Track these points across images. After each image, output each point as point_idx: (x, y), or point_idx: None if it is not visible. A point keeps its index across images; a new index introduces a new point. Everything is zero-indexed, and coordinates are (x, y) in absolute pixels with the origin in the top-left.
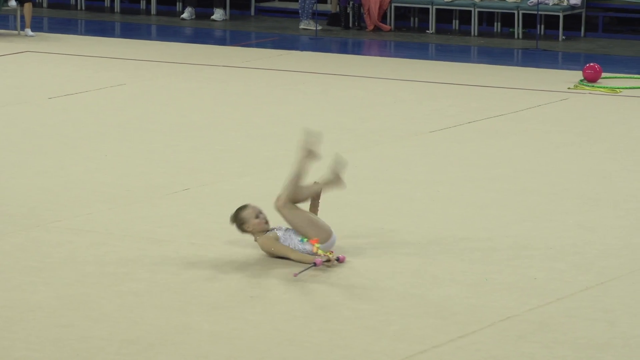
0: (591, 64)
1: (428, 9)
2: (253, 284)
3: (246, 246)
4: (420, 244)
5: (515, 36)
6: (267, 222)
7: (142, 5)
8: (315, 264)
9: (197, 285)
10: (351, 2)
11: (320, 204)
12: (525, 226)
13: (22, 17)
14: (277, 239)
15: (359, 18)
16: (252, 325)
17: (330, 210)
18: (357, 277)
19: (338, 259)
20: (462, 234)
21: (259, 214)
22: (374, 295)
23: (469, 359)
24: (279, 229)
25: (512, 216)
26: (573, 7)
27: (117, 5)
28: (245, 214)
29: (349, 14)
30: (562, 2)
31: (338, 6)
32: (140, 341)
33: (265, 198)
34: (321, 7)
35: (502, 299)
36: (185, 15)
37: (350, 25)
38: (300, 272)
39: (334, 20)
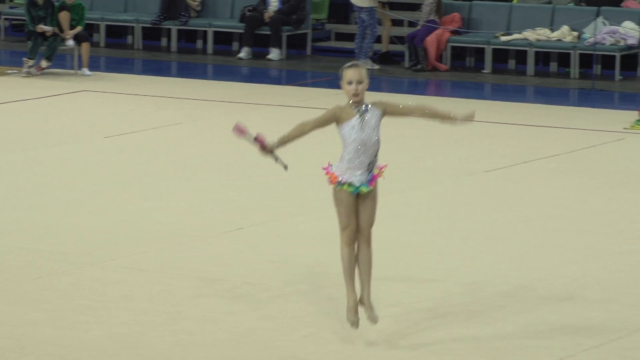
0: None
1: (484, 48)
2: (306, 323)
3: (299, 284)
4: (474, 283)
5: (572, 76)
6: (356, 95)
7: (199, 44)
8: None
9: (251, 324)
10: (413, 43)
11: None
12: (580, 266)
13: (80, 56)
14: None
15: (424, 57)
16: None
17: (384, 250)
18: (409, 316)
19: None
20: (517, 274)
21: (358, 83)
22: (428, 336)
23: None
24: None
25: (567, 256)
26: (630, 47)
27: (173, 45)
28: (348, 71)
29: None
30: (619, 42)
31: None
32: None
33: (319, 237)
34: (377, 46)
35: (557, 339)
36: (242, 54)
37: (410, 64)
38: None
39: (384, 59)
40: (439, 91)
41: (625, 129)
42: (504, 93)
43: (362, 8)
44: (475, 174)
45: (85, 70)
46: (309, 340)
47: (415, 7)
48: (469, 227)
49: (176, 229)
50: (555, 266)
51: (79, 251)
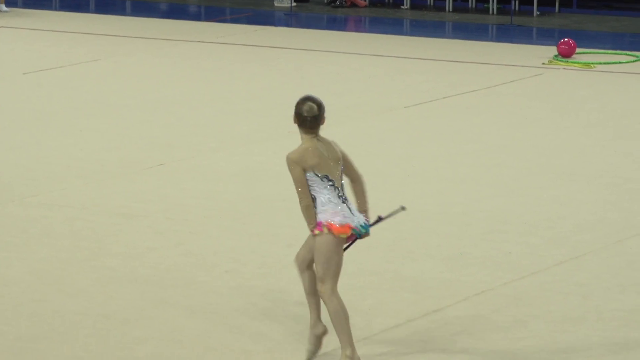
0: (565, 39)
1: None
2: (228, 259)
3: (221, 220)
4: (395, 218)
5: (490, 12)
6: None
7: None
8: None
9: (172, 260)
10: None
11: None
12: (499, 201)
13: None
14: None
15: None
16: (227, 300)
17: None
18: None
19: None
20: (437, 209)
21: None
22: (349, 270)
23: (444, 332)
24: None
25: (486, 191)
26: None
27: None
28: (304, 106)
29: None
30: None
31: None
32: (116, 315)
33: (240, 173)
34: None
35: (477, 273)
36: None
37: (329, 1)
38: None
39: None
40: (358, 27)
41: (543, 64)
42: (423, 29)
43: None
44: (394, 109)
45: (2, 7)
46: (230, 275)
47: None
48: (388, 163)
49: (97, 165)
50: (474, 201)
51: None
